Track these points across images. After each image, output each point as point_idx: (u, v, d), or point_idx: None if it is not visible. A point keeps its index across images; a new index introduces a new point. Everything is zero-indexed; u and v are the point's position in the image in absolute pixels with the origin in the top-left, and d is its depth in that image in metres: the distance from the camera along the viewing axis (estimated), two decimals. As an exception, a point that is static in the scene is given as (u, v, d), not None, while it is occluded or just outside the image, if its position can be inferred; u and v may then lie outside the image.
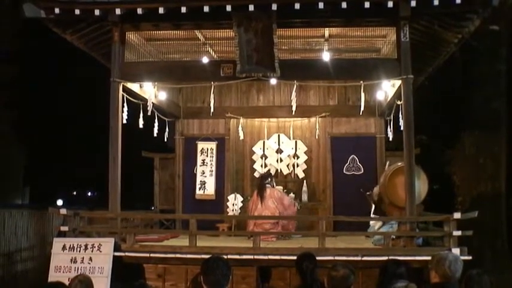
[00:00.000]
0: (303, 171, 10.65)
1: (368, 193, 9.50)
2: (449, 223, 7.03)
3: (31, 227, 10.03)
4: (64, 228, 7.64)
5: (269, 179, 9.55)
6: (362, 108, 8.97)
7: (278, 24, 7.46)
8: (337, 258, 6.69)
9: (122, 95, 8.07)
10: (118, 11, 7.52)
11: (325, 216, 9.71)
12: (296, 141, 10.70)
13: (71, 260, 7.10)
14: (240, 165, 10.99)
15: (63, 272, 7.01)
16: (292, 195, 10.30)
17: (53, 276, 6.91)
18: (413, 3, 7.20)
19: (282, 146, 10.71)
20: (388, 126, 9.88)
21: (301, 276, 5.02)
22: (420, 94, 9.33)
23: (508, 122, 11.82)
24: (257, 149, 10.78)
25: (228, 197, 10.38)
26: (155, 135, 9.99)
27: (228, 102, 10.86)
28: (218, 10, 7.32)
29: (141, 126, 9.00)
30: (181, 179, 10.75)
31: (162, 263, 7.35)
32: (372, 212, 9.13)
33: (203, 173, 10.65)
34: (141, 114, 8.95)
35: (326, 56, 8.15)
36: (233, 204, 10.24)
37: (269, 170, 10.34)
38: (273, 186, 9.57)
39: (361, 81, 8.46)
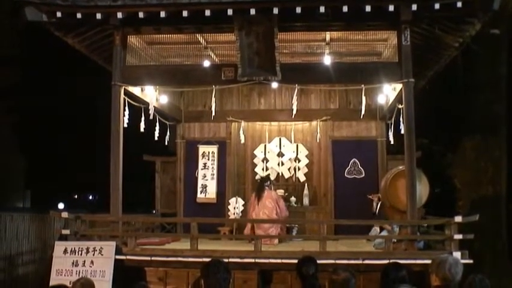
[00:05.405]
0: (304, 174, 10.64)
1: (369, 196, 9.52)
2: (450, 226, 7.04)
3: (32, 231, 10.04)
4: (65, 232, 7.66)
5: (268, 182, 9.55)
6: (363, 112, 9.00)
7: (279, 27, 7.47)
8: (338, 261, 6.70)
9: (123, 98, 8.09)
10: (119, 15, 7.52)
11: (327, 219, 9.70)
12: (297, 145, 10.69)
13: (73, 263, 7.11)
14: (241, 168, 10.97)
15: (65, 275, 7.02)
16: (293, 198, 10.35)
17: (54, 280, 6.93)
18: (414, 7, 7.22)
19: (283, 149, 10.70)
20: (389, 130, 9.87)
21: (302, 280, 5.01)
22: (421, 98, 9.33)
23: (509, 126, 11.81)
24: (258, 152, 10.78)
25: (229, 201, 10.36)
26: (156, 138, 10.00)
27: (229, 105, 10.85)
28: (219, 14, 7.34)
29: (142, 129, 9.00)
30: (183, 183, 10.74)
31: (163, 267, 7.35)
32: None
33: (204, 176, 10.64)
34: (143, 118, 8.95)
35: (327, 60, 8.17)
36: (234, 208, 10.22)
37: (268, 174, 10.35)
38: (271, 190, 9.57)
39: (362, 85, 8.50)
